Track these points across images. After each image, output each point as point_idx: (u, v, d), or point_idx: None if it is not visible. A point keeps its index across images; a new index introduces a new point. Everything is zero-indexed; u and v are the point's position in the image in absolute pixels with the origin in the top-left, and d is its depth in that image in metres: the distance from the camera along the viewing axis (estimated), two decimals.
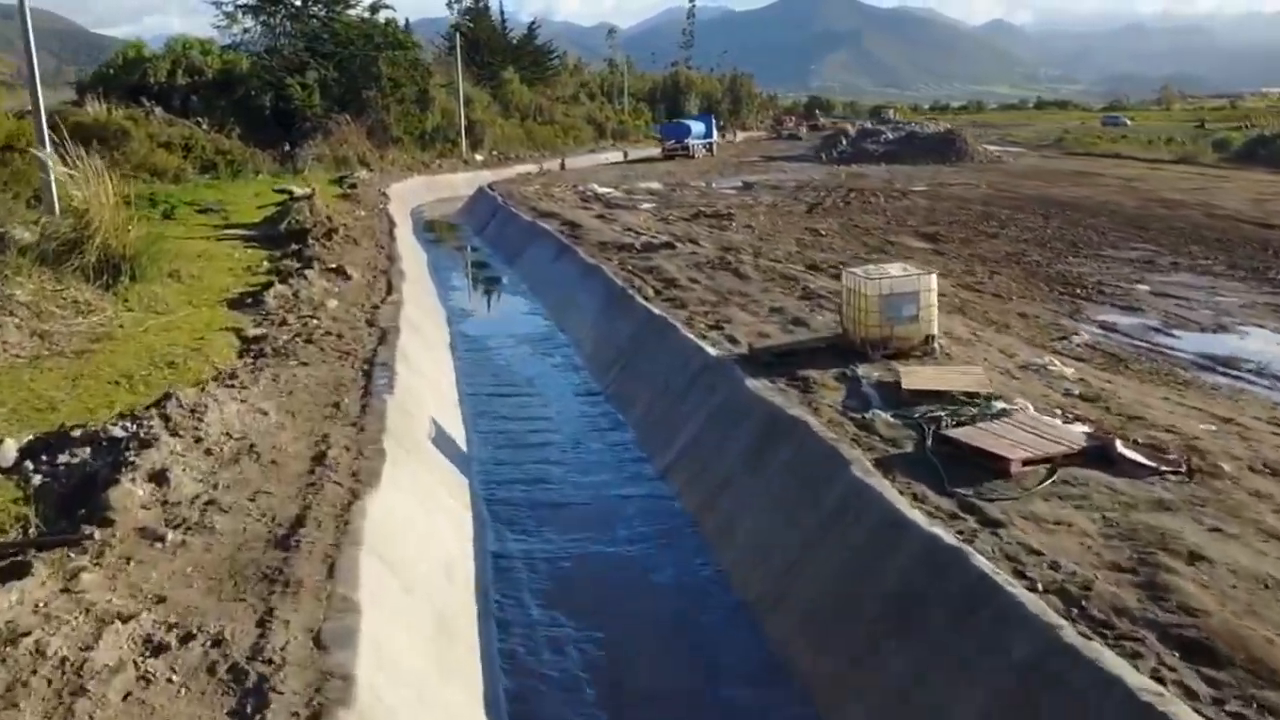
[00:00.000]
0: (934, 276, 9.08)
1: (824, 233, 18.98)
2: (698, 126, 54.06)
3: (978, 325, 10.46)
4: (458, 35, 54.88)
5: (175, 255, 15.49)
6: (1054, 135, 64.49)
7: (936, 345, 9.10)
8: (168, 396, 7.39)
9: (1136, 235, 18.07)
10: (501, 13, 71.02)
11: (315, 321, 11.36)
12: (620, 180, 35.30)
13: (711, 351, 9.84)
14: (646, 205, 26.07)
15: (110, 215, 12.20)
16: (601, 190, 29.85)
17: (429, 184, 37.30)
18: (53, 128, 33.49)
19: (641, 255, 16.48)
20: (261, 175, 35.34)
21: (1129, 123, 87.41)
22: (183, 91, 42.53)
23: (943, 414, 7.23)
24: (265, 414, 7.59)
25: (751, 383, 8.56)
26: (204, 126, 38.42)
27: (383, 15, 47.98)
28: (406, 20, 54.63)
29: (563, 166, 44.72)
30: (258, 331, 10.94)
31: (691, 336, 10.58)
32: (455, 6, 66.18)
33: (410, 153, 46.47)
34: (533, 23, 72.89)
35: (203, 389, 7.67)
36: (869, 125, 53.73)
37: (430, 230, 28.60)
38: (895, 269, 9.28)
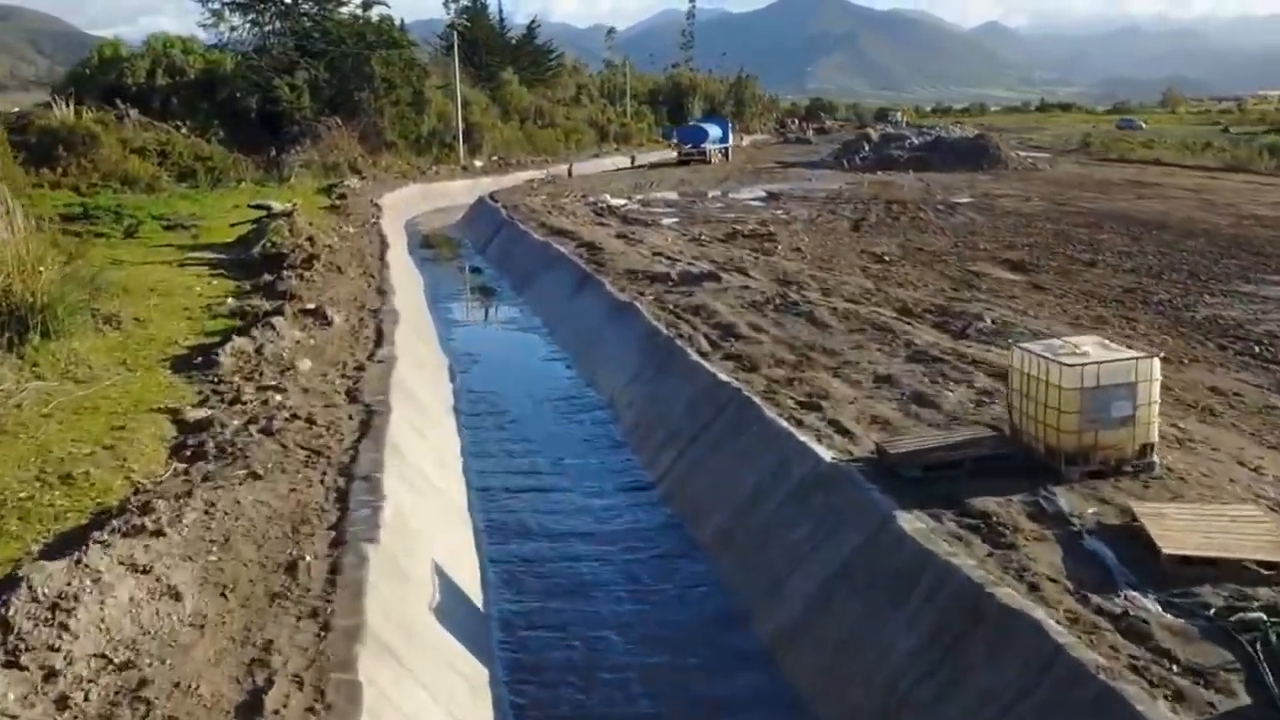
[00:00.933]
0: (1155, 362, 6.36)
1: (887, 259, 16.27)
2: (714, 130, 51.35)
3: (1175, 412, 7.73)
4: (454, 34, 52.00)
5: (121, 291, 12.81)
6: (1075, 139, 61.95)
7: (1155, 458, 6.38)
8: (14, 584, 4.64)
9: (1260, 264, 15.34)
10: (500, 11, 68.34)
11: (279, 397, 8.61)
12: (633, 189, 32.61)
13: (823, 453, 7.11)
14: (669, 220, 23.36)
15: (16, 251, 9.46)
16: (615, 202, 27.14)
17: (425, 193, 34.56)
18: (16, 131, 30.57)
19: (682, 290, 13.76)
20: (245, 184, 32.59)
21: (1144, 126, 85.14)
22: (163, 93, 39.78)
23: (1260, 615, 4.51)
24: (178, 598, 4.84)
25: (905, 520, 5.83)
26: (184, 130, 35.68)
27: (376, 11, 45.10)
28: (401, 20, 51.95)
29: (570, 173, 42.01)
30: (201, 414, 8.20)
31: (783, 424, 7.84)
32: (452, 6, 63.33)
33: (405, 158, 43.74)
34: (532, 22, 70.12)
35: (79, 560, 4.90)
36: (891, 129, 50.56)
37: (427, 246, 25.90)
38: (1091, 344, 6.56)
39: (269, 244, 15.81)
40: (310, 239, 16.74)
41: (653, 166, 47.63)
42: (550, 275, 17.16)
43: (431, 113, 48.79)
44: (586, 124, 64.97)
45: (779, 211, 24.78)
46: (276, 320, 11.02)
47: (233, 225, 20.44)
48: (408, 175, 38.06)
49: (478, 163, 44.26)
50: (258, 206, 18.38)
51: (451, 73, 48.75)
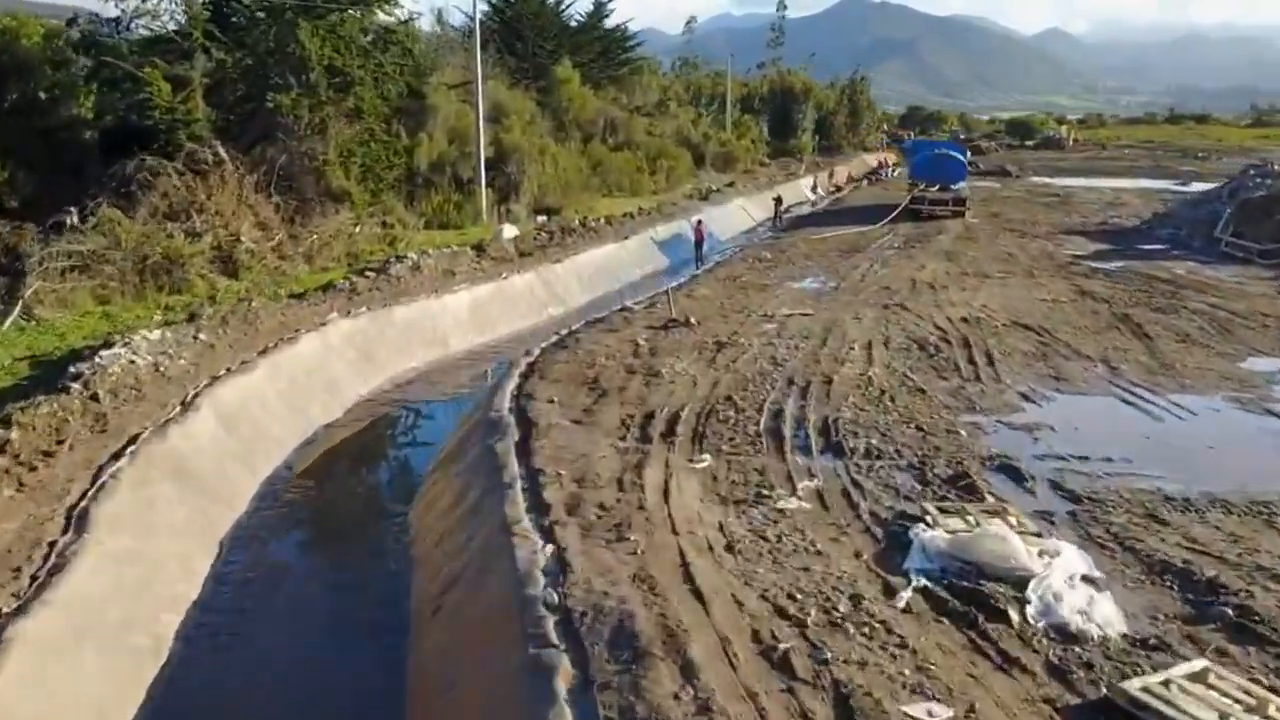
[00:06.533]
0: None
1: None
2: (960, 160, 31.04)
3: None
4: (476, 5, 30.45)
5: None
6: None
7: None
8: None
9: None
10: None
11: None
12: (864, 365, 11.78)
13: None
14: None
15: None
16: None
17: (365, 344, 13.84)
18: None
19: None
20: None
21: None
22: None
23: None
24: None
25: None
26: None
27: None
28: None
29: (699, 238, 21.35)
30: None
31: None
32: None
33: (387, 211, 23.21)
34: None
35: None
36: (1259, 171, 27.18)
37: None
38: None
39: None
40: None
41: (807, 223, 26.53)
42: None
43: (437, 130, 28.36)
44: (676, 141, 44.00)
45: None
46: None
47: None
48: (347, 276, 17.25)
49: (508, 230, 23.25)
50: None
51: (473, 62, 28.10)
